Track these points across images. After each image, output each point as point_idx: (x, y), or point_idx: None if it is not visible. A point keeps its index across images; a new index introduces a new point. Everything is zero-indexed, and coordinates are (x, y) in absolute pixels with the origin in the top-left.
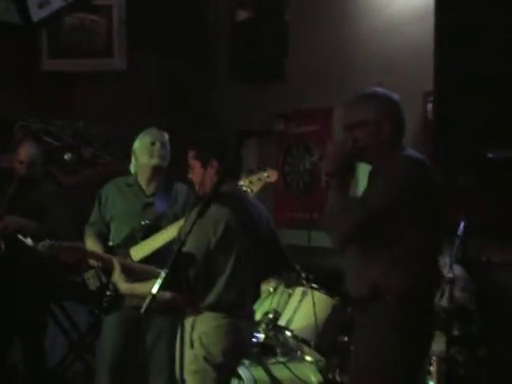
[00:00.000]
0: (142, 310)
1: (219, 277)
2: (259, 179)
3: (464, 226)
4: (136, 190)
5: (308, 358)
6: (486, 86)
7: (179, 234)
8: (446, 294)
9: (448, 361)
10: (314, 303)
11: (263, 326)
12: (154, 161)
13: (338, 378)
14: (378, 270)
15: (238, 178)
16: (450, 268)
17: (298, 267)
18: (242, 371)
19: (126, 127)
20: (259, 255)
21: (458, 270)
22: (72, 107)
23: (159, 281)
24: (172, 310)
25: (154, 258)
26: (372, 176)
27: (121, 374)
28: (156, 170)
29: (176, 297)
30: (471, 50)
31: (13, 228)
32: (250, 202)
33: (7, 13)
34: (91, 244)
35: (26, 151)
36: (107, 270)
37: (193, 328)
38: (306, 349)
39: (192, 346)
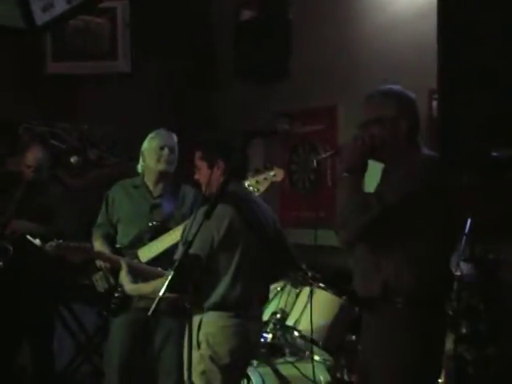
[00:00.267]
0: (150, 312)
1: (223, 275)
2: (265, 178)
3: (470, 224)
4: (143, 191)
5: (316, 358)
6: (490, 83)
7: (183, 234)
8: (454, 292)
9: (456, 359)
10: (321, 303)
11: (271, 326)
12: (161, 166)
13: (346, 378)
14: (390, 268)
15: (245, 177)
16: (457, 266)
17: (304, 267)
18: (250, 371)
19: (130, 129)
20: (265, 255)
21: (465, 267)
22: (77, 109)
23: (166, 282)
24: (180, 312)
25: (162, 259)
26: (386, 174)
27: (129, 376)
28: (162, 175)
29: (182, 297)
30: (475, 48)
31: (21, 232)
32: (255, 201)
33: (10, 17)
34: (99, 246)
35: (34, 155)
36: (115, 272)
37: (199, 328)
38: (314, 348)
39: (199, 346)
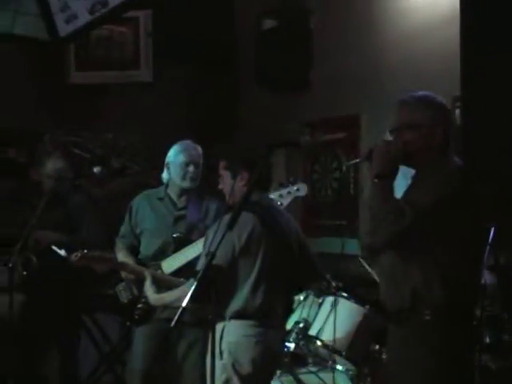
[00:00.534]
0: (173, 323)
1: (245, 283)
2: (289, 192)
3: (494, 233)
4: (167, 203)
5: (339, 367)
6: None
7: (205, 243)
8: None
9: (480, 369)
10: (344, 312)
11: (293, 335)
12: (186, 184)
13: None
14: (419, 276)
15: (268, 189)
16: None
17: (328, 276)
18: (272, 381)
19: (153, 138)
20: (288, 265)
21: (488, 277)
22: (100, 119)
23: (189, 292)
24: (203, 322)
25: (185, 271)
26: (417, 181)
27: None
28: (186, 190)
29: (205, 308)
30: (498, 55)
31: (45, 243)
32: (278, 211)
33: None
34: (123, 257)
35: (54, 166)
36: (139, 283)
37: (222, 337)
38: (337, 358)
39: (221, 355)
